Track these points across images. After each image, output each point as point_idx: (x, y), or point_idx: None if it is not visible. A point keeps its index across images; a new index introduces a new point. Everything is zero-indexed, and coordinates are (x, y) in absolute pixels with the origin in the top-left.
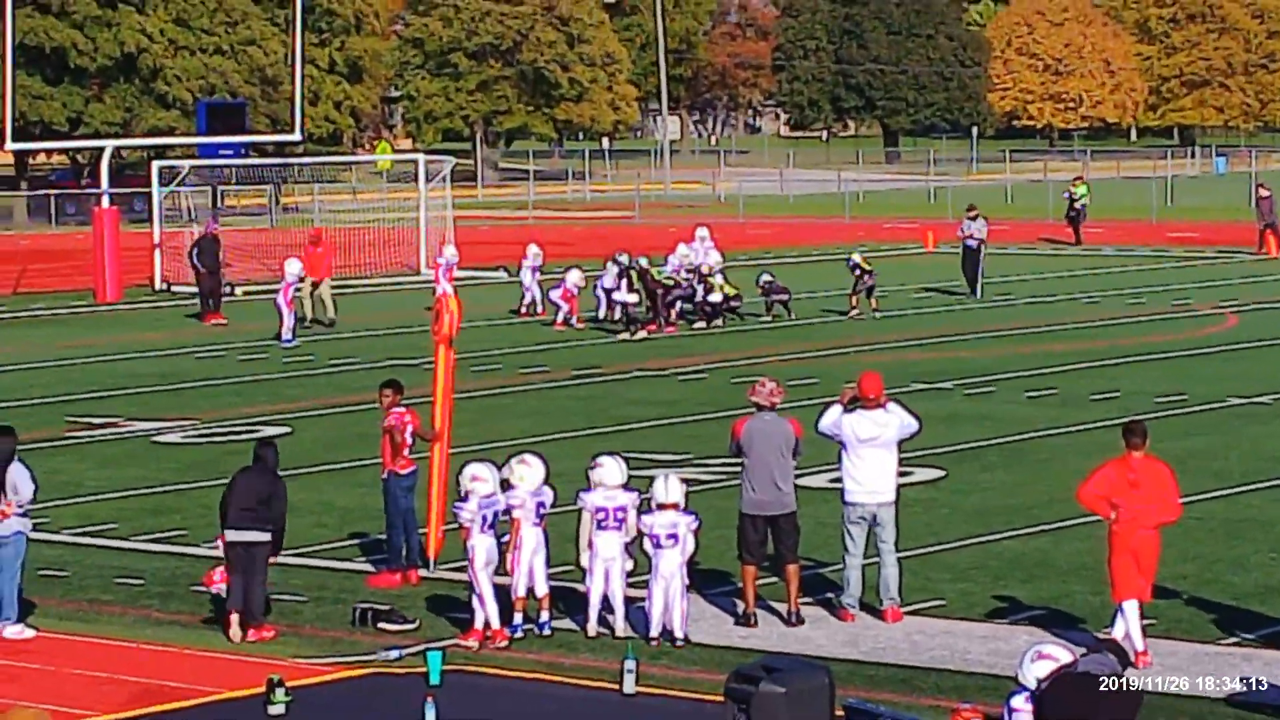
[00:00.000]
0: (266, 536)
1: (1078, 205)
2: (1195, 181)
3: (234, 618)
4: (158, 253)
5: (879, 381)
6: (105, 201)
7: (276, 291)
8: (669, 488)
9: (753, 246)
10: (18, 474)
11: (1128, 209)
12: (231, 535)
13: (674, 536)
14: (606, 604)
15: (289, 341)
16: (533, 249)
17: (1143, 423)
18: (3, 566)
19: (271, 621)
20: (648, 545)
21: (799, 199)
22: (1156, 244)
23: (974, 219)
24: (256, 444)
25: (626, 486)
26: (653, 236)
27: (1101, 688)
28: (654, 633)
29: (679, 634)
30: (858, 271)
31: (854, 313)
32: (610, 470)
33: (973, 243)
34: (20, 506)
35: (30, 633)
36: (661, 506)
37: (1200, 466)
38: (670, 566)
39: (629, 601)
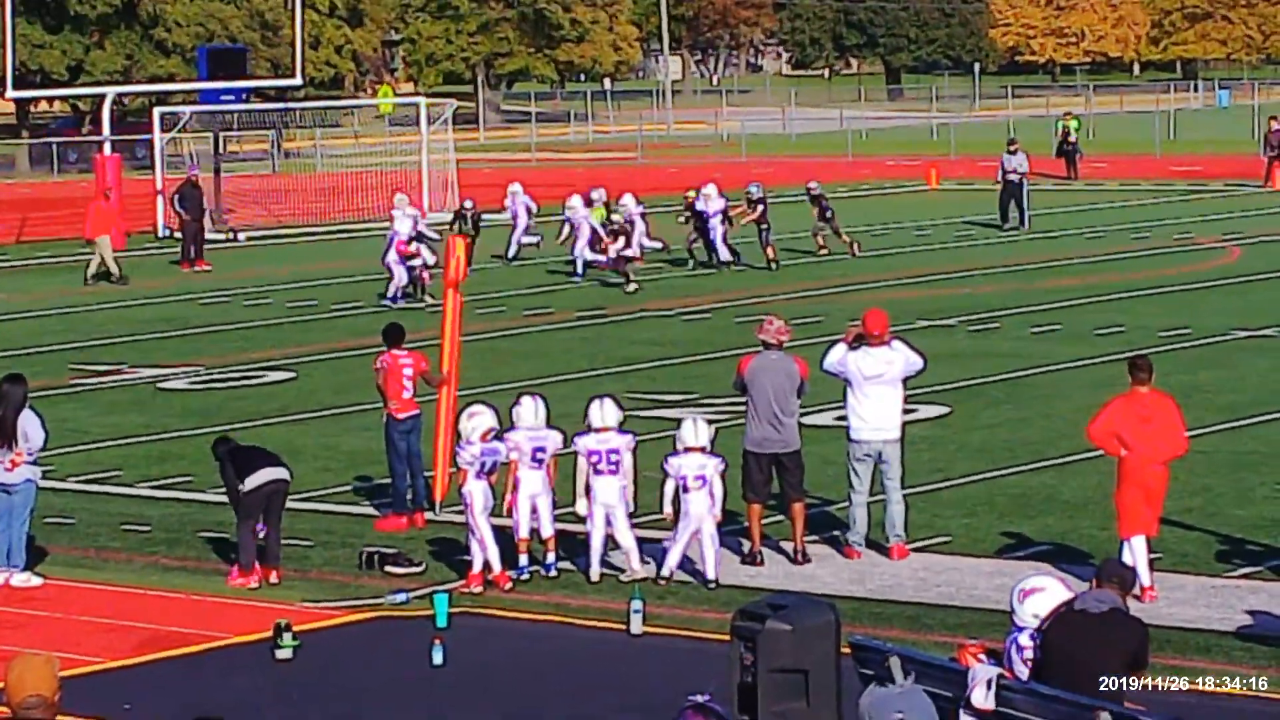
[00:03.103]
0: (287, 474)
1: (1071, 140)
2: (1198, 115)
3: (255, 576)
4: (160, 199)
5: (884, 318)
6: (107, 149)
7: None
8: (697, 431)
9: None
10: (29, 422)
11: (1130, 143)
12: (259, 479)
13: (702, 479)
14: (613, 547)
15: (394, 300)
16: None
17: (1148, 358)
18: (12, 514)
19: (279, 567)
20: (669, 488)
21: (802, 138)
22: (1160, 178)
23: (1014, 153)
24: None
25: (621, 428)
26: (656, 177)
27: (1103, 624)
28: (665, 572)
29: (711, 575)
30: (821, 204)
31: (823, 251)
32: (595, 413)
33: (1014, 177)
34: (31, 454)
35: (38, 580)
36: (689, 449)
37: (1205, 400)
38: (699, 509)
39: (640, 542)
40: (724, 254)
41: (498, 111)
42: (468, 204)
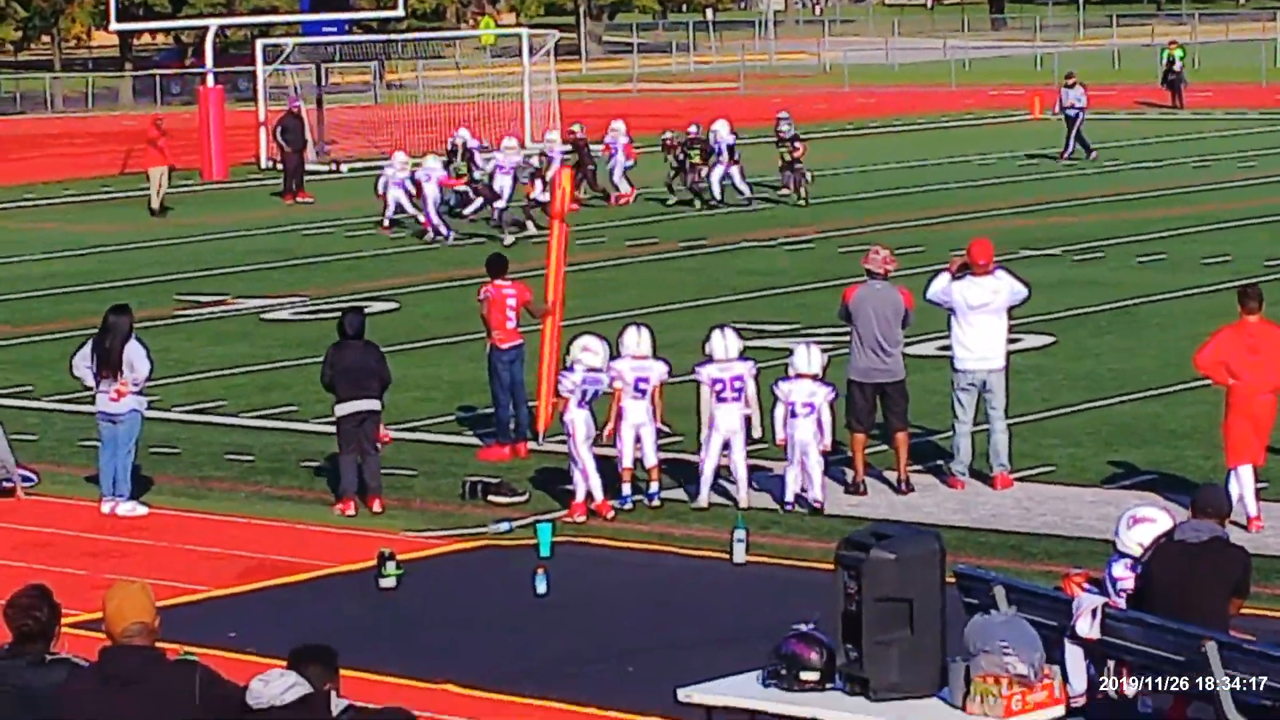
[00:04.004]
0: (377, 405)
1: (1176, 68)
2: None
3: (351, 504)
4: (263, 131)
5: (989, 247)
6: (210, 81)
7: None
8: (810, 357)
9: (858, 116)
10: (134, 352)
11: (1236, 72)
12: (345, 409)
13: (810, 406)
14: (723, 476)
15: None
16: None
17: (1258, 286)
18: (118, 444)
19: (383, 495)
20: (780, 412)
21: (904, 67)
22: (1266, 106)
23: (1072, 86)
24: (342, 316)
25: (743, 356)
26: (757, 107)
27: (1204, 553)
28: (788, 497)
29: (819, 497)
30: (790, 143)
31: (784, 191)
32: (718, 342)
33: (1073, 111)
34: (136, 385)
35: (143, 509)
36: (800, 375)
37: None
38: (805, 434)
39: (751, 471)
40: (716, 191)
41: (599, 42)
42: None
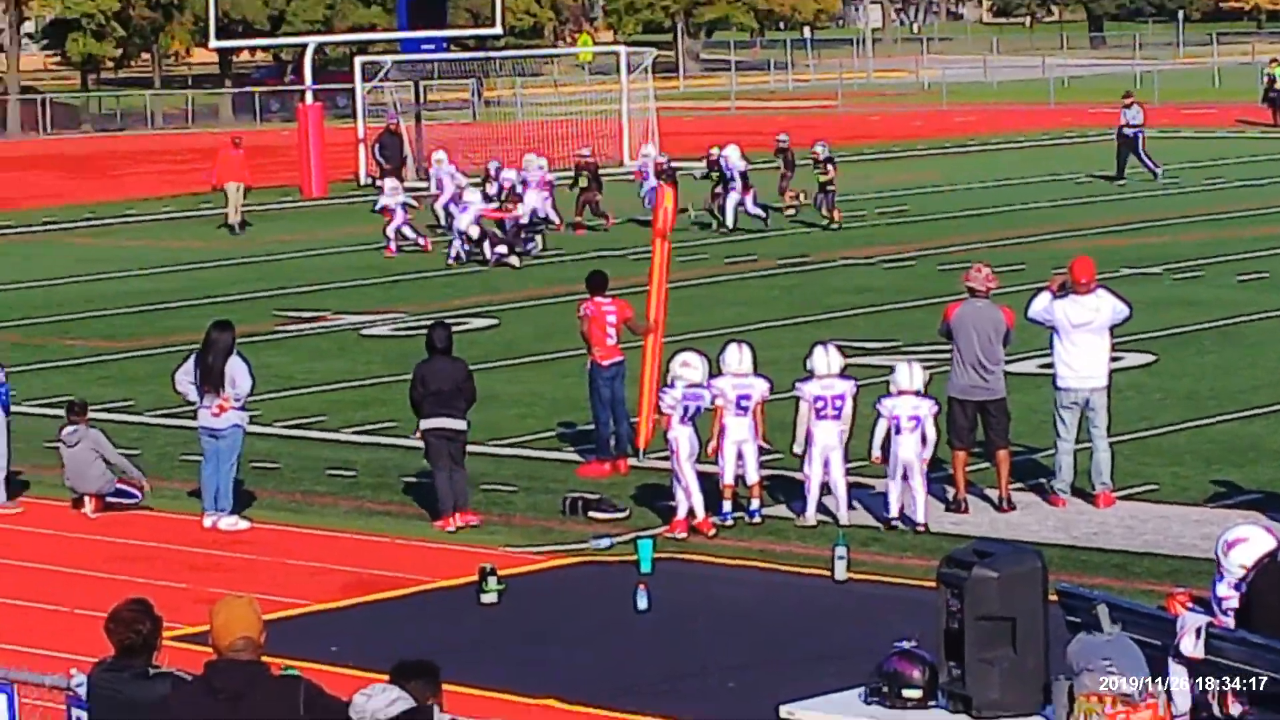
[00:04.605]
0: (463, 425)
1: (1277, 86)
2: None
3: (450, 520)
4: (361, 148)
5: (1091, 266)
6: (309, 98)
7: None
8: (912, 374)
9: (956, 134)
10: (236, 368)
11: None
12: (428, 424)
13: (916, 419)
14: (825, 493)
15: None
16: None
17: None
18: (220, 459)
19: (482, 511)
20: (881, 430)
21: (1003, 85)
22: None
23: (1129, 106)
24: (430, 331)
25: (843, 374)
26: (856, 125)
27: None
28: (892, 513)
29: (920, 519)
30: (787, 158)
31: (788, 207)
32: (820, 359)
33: (1129, 130)
34: (238, 400)
35: (245, 524)
36: (902, 392)
37: None
38: (909, 452)
39: (851, 489)
40: (729, 220)
41: (697, 60)
42: (584, 152)
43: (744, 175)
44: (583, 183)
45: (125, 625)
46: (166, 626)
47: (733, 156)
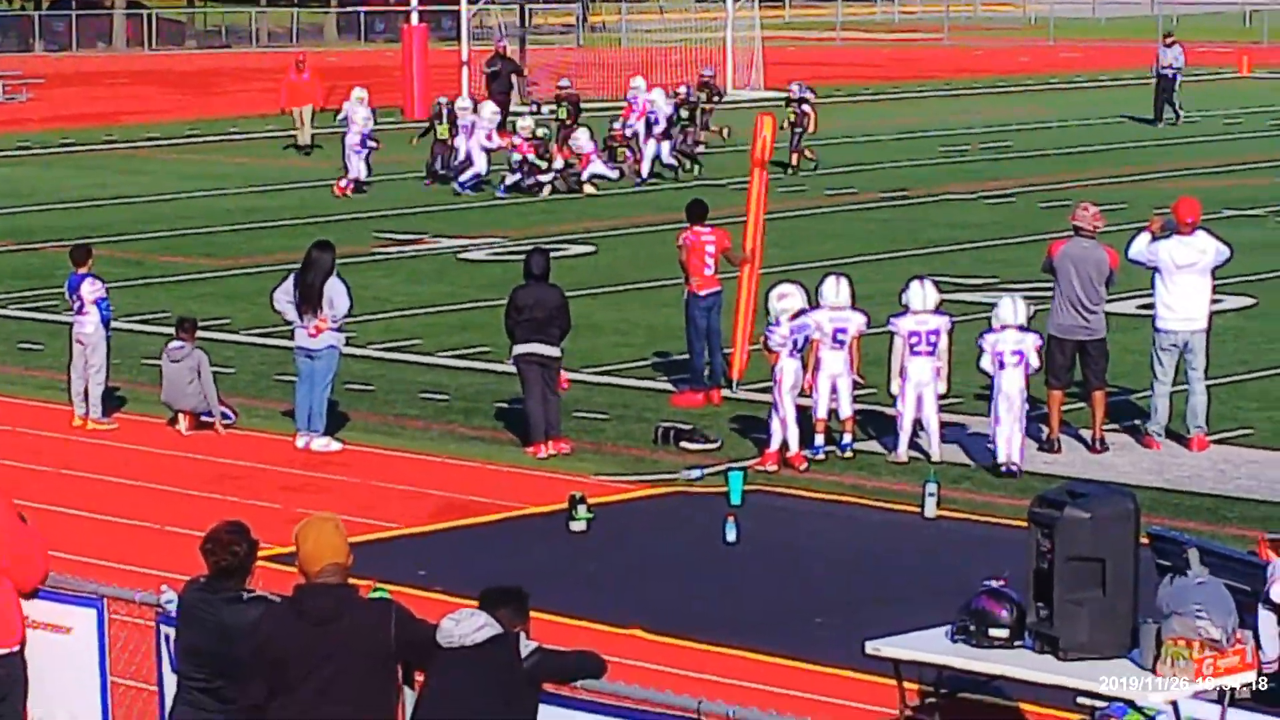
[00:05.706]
0: (557, 352)
1: None
2: None
3: (542, 446)
4: (465, 70)
5: (1197, 206)
6: (414, 19)
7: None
8: (1016, 308)
9: (1063, 70)
10: (335, 289)
11: None
12: (521, 349)
13: (1019, 354)
14: (918, 428)
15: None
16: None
17: None
18: (315, 379)
19: (574, 438)
20: (987, 364)
21: (1111, 22)
22: None
23: (1170, 46)
24: (528, 256)
25: (938, 310)
26: (960, 59)
27: None
28: (1001, 457)
29: (1016, 459)
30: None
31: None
32: (916, 294)
33: (1169, 71)
34: (335, 321)
35: (337, 445)
36: (1005, 326)
37: None
38: (1013, 386)
39: (944, 425)
40: (647, 166)
41: None
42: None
43: (669, 120)
44: (563, 114)
45: (222, 547)
46: (260, 548)
47: (658, 100)
